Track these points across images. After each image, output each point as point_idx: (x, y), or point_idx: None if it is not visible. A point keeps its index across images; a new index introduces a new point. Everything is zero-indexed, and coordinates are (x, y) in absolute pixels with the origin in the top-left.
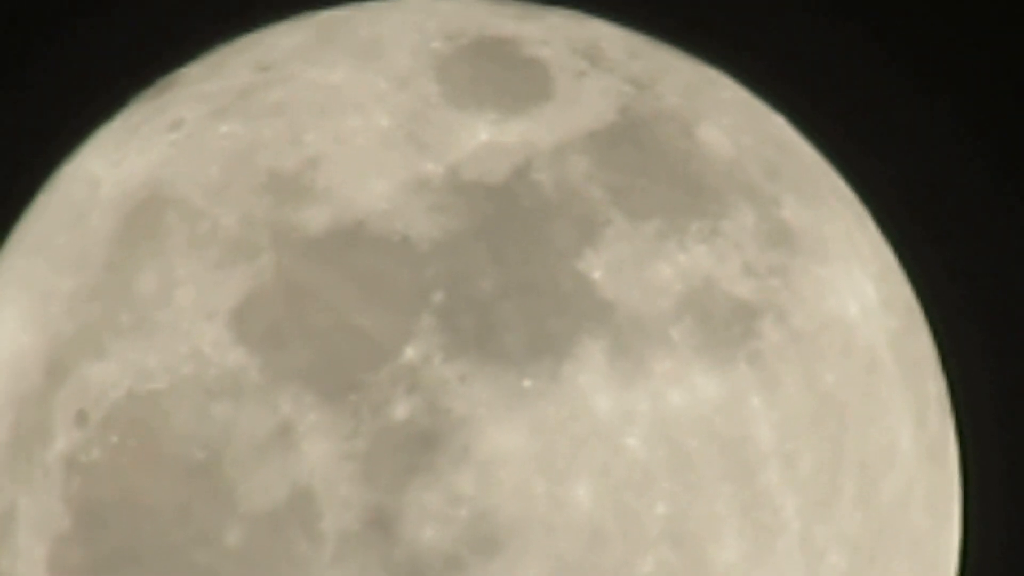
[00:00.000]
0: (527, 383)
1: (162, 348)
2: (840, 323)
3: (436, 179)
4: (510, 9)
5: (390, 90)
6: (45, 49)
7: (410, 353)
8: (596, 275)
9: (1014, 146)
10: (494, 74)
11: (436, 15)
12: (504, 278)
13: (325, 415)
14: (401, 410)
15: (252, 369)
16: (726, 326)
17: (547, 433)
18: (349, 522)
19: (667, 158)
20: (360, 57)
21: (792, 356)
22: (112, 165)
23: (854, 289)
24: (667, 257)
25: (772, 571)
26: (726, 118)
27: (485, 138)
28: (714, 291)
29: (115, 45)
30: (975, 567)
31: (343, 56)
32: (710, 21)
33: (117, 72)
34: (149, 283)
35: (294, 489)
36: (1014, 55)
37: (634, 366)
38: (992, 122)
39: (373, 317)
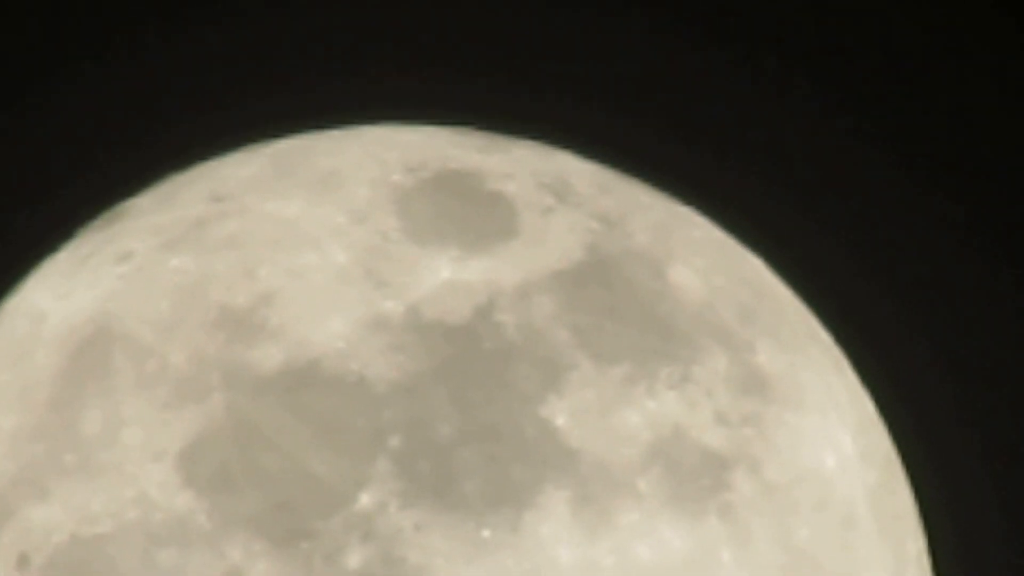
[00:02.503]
0: (486, 533)
1: (107, 491)
2: (816, 476)
3: (395, 318)
4: (474, 140)
5: (348, 224)
6: None
7: (365, 500)
8: (560, 421)
9: (998, 293)
10: (457, 209)
11: (396, 146)
12: (464, 423)
13: (276, 563)
14: (355, 559)
15: (200, 514)
16: (696, 477)
17: None
18: None
19: (636, 299)
20: (317, 190)
21: (765, 509)
22: (58, 299)
23: (831, 440)
24: (635, 404)
25: None
26: (698, 258)
27: (447, 276)
28: (684, 440)
29: (63, 173)
30: None
31: (299, 188)
32: (682, 156)
33: (64, 201)
34: (94, 423)
35: None
36: (1001, 199)
37: (599, 517)
38: (976, 269)
39: (327, 461)
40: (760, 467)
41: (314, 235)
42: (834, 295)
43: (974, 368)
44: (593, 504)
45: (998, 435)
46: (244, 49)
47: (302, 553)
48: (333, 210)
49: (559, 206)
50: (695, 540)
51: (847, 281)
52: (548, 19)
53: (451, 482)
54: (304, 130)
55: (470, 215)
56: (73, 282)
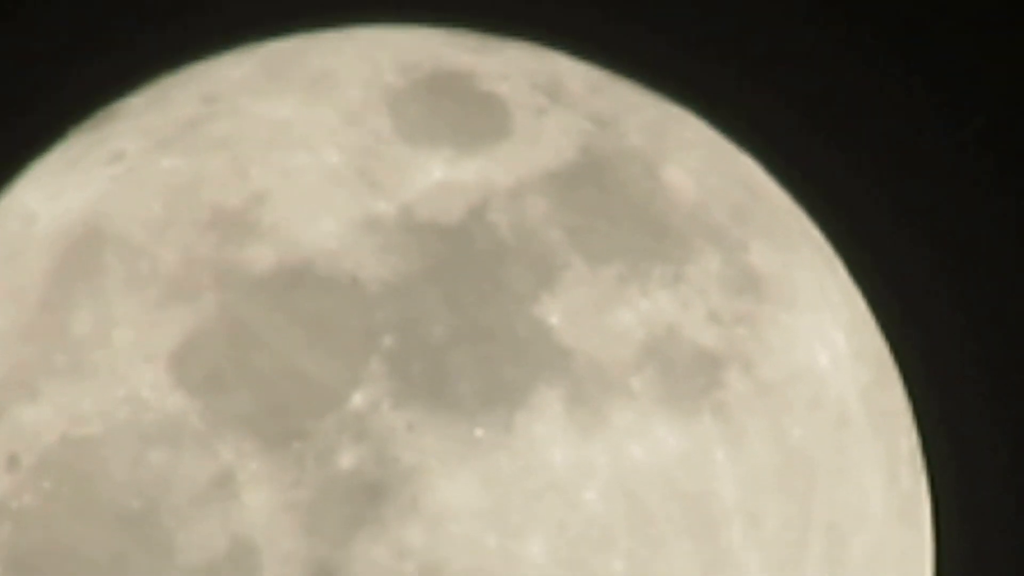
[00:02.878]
0: (479, 433)
1: (98, 391)
2: (809, 374)
3: (387, 218)
4: (467, 41)
5: (340, 125)
6: None
7: (357, 400)
8: (553, 321)
9: (991, 195)
10: (450, 110)
11: (389, 47)
12: (457, 323)
13: (267, 463)
14: (347, 459)
15: (192, 414)
16: (689, 376)
17: (500, 486)
18: None
19: (629, 200)
20: (309, 91)
21: (758, 408)
22: (49, 199)
23: (824, 339)
24: (628, 303)
25: None
26: (692, 158)
27: (439, 176)
28: (677, 339)
29: (54, 74)
30: None
31: (292, 89)
32: (675, 56)
33: (56, 102)
34: (85, 323)
35: (234, 541)
36: (994, 96)
37: (592, 417)
38: (970, 171)
39: (319, 362)
40: (753, 366)
41: (307, 136)
42: (827, 195)
43: (968, 266)
44: (586, 404)
45: (991, 333)
46: None
47: (294, 453)
48: (325, 111)
49: (552, 107)
50: (689, 439)
51: (840, 181)
52: None
53: (444, 382)
54: (296, 31)
55: (463, 116)
56: (64, 183)
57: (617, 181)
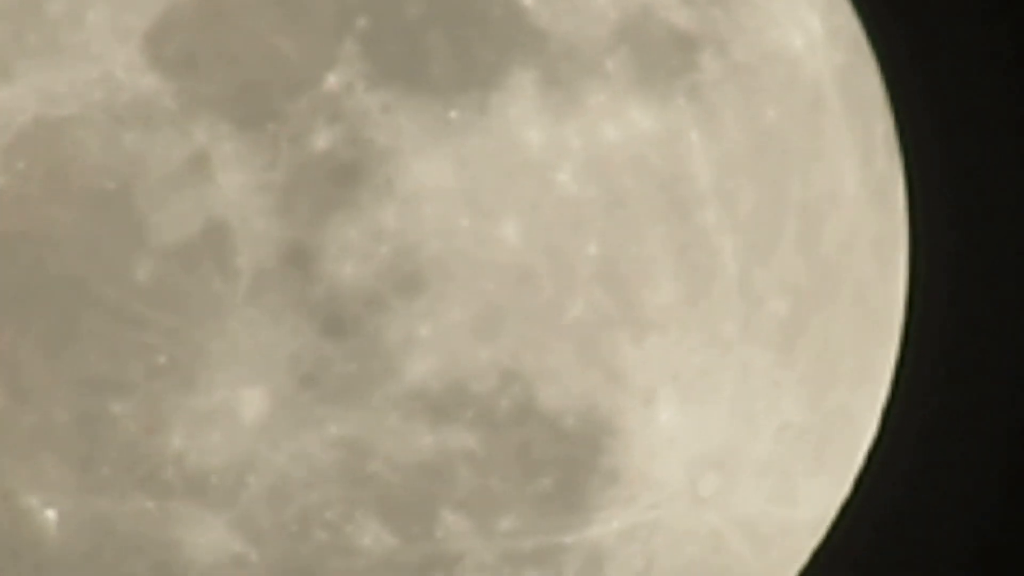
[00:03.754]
0: (453, 114)
1: (72, 72)
2: (783, 56)
3: None
4: None
5: None
6: None
7: (332, 81)
8: (528, 2)
9: None
10: None
11: None
12: (431, 4)
13: (242, 145)
14: (321, 141)
15: (166, 95)
16: (664, 57)
17: (474, 167)
18: (265, 258)
19: None
20: None
21: (732, 90)
22: None
23: (798, 21)
24: None
25: (708, 315)
26: None
27: None
28: (652, 20)
29: None
30: (921, 315)
31: None
32: None
33: None
34: (59, 2)
35: (208, 223)
36: None
37: (567, 98)
38: None
39: (294, 41)
40: (727, 47)
41: None
42: None
43: None
44: (560, 85)
45: (966, 19)
46: None
47: (268, 134)
48: None
49: None
50: (663, 121)
51: None
52: None
53: (418, 64)
54: None
55: None
56: None
57: None
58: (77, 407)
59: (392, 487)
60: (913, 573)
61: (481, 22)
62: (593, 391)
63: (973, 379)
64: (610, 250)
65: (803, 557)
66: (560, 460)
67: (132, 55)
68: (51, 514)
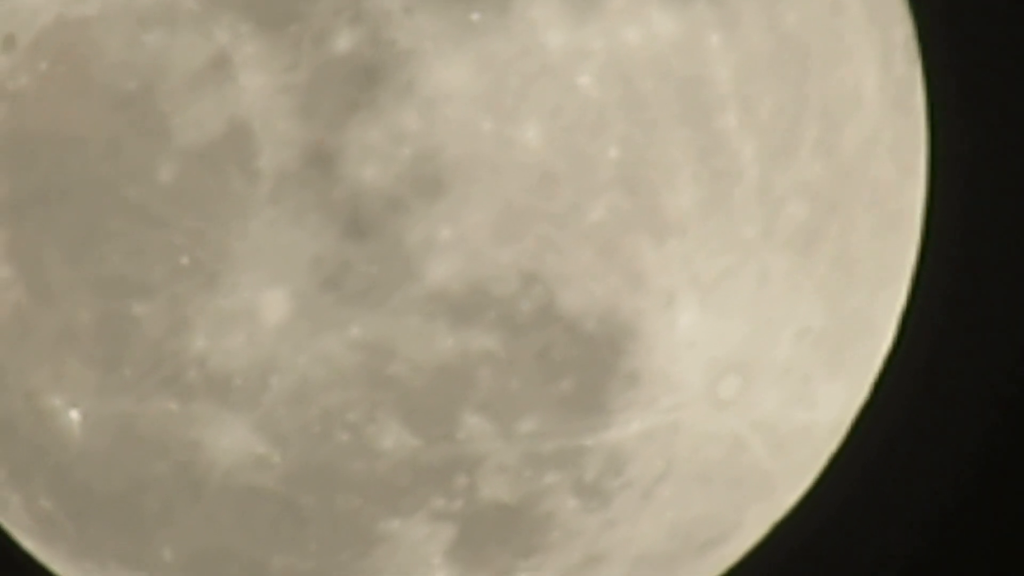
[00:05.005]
0: (475, 16)
1: None
2: None
3: None
4: None
5: None
6: None
7: None
8: None
9: None
10: None
11: None
12: None
13: (263, 46)
14: (343, 42)
15: None
16: None
17: (495, 69)
18: (287, 159)
19: None
20: None
21: None
22: None
23: None
24: None
25: (728, 218)
26: None
27: None
28: None
29: None
30: (940, 220)
31: None
32: None
33: None
34: None
35: (230, 124)
36: None
37: (588, 1)
38: None
39: None
40: None
41: None
42: None
43: None
44: None
45: None
46: None
47: (290, 35)
48: None
49: None
50: (684, 24)
51: None
52: None
53: None
54: None
55: None
56: None
57: None
58: (100, 308)
59: (413, 389)
60: (931, 476)
61: None
62: (613, 294)
63: (991, 284)
64: (631, 153)
65: (821, 460)
66: (580, 362)
67: None
68: (74, 415)
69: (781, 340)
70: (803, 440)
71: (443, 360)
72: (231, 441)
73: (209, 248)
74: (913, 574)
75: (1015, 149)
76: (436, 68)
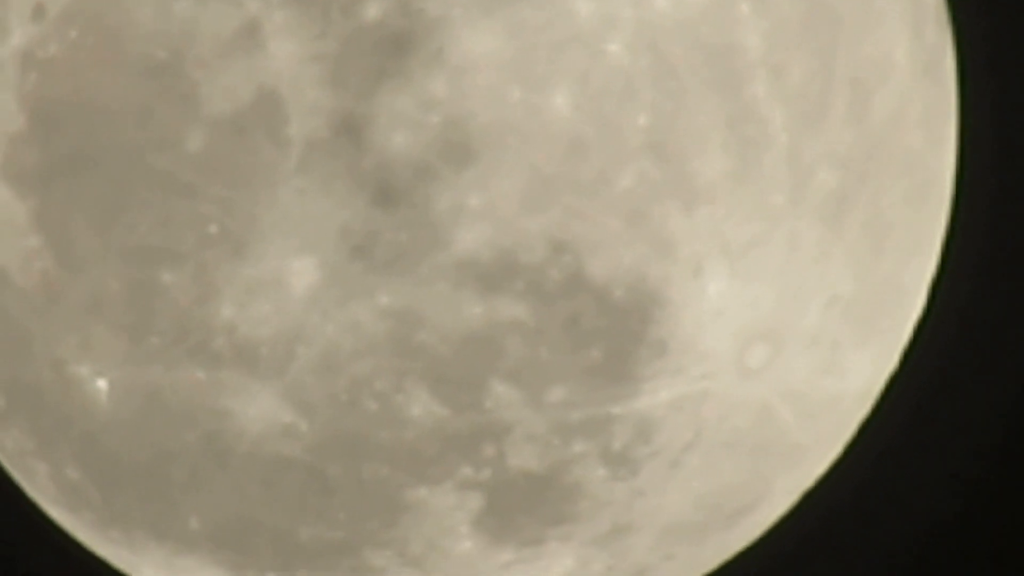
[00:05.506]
0: None
1: None
2: None
3: None
4: None
5: None
6: None
7: None
8: None
9: None
10: None
11: None
12: None
13: (293, 14)
14: (373, 10)
15: None
16: None
17: (525, 38)
18: (316, 128)
19: None
20: None
21: None
22: None
23: None
24: None
25: (757, 187)
26: None
27: None
28: None
29: None
30: (971, 188)
31: None
32: None
33: None
34: None
35: (259, 92)
36: None
37: None
38: None
39: None
40: None
41: None
42: None
43: None
44: None
45: None
46: None
47: (319, 3)
48: None
49: None
50: None
51: None
52: None
53: None
54: None
55: None
56: None
57: None
58: (128, 276)
59: (441, 357)
60: (961, 444)
61: None
62: (642, 262)
63: (1022, 252)
64: (660, 121)
65: (850, 428)
66: (609, 331)
67: None
68: (101, 384)
69: (810, 308)
70: (832, 409)
71: (471, 328)
72: (258, 410)
73: (238, 216)
74: (943, 543)
75: None
76: (465, 36)
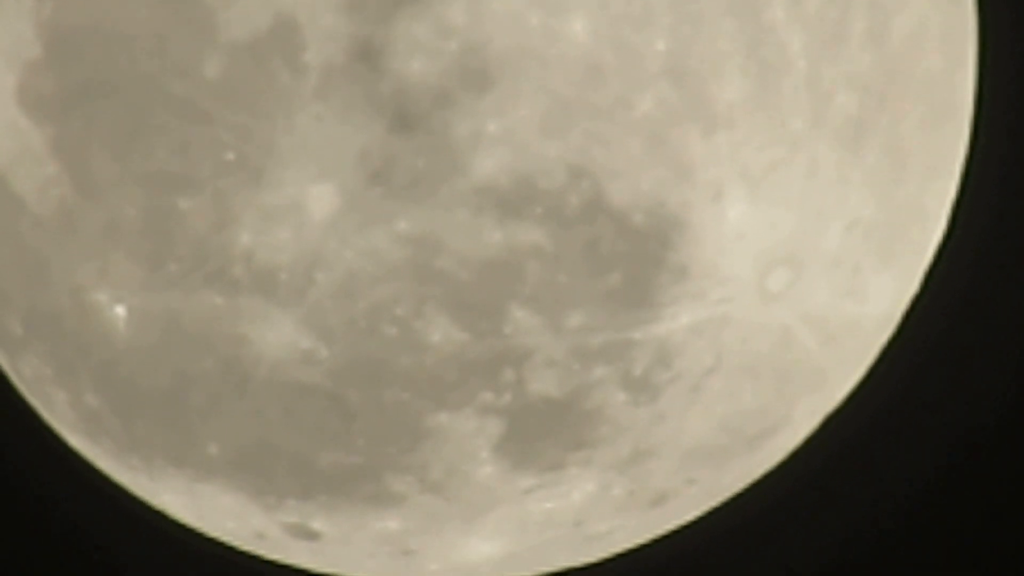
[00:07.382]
0: None
1: None
2: None
3: None
4: None
5: None
6: None
7: None
8: None
9: None
10: None
11: None
12: None
13: None
14: None
15: None
16: None
17: None
18: (333, 54)
19: None
20: None
21: None
22: None
23: None
24: None
25: (776, 111)
26: None
27: None
28: None
29: None
30: (991, 110)
31: None
32: None
33: None
34: None
35: (276, 19)
36: None
37: None
38: None
39: None
40: None
41: None
42: None
43: None
44: None
45: None
46: None
47: None
48: None
49: None
50: None
51: None
52: None
53: None
54: None
55: None
56: None
57: None
58: (145, 203)
59: (461, 283)
60: (983, 365)
61: None
62: (661, 187)
63: None
64: (678, 45)
65: (872, 353)
66: (629, 256)
67: None
68: (120, 310)
69: (831, 232)
70: (853, 332)
71: (490, 254)
72: (277, 336)
73: (255, 143)
74: (967, 465)
75: None
76: None
